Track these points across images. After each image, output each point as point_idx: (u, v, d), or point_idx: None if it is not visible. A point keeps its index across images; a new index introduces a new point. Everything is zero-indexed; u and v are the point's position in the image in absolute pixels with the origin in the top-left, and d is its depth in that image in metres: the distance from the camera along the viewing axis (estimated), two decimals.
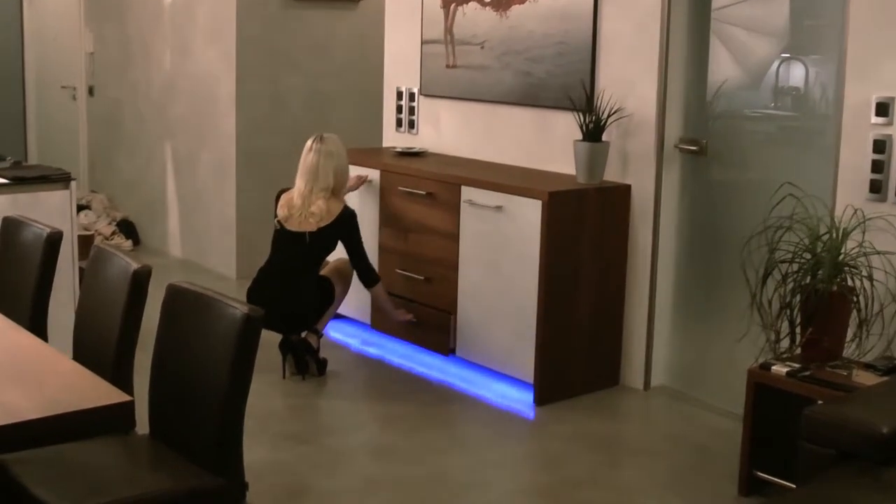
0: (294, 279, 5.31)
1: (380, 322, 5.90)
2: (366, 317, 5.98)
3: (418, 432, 4.79)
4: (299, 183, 5.33)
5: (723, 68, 5.03)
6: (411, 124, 6.41)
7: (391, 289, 5.78)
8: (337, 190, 5.33)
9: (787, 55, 4.77)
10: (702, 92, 5.11)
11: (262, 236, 7.44)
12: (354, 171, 5.84)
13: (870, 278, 3.98)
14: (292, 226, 5.30)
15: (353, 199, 5.86)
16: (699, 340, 5.24)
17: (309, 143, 5.36)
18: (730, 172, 5.05)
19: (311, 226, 5.25)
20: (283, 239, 5.33)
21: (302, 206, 5.28)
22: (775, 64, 4.80)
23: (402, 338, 5.80)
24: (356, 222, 5.34)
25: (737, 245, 4.45)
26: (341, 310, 5.96)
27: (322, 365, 5.45)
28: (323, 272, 5.44)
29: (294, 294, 5.29)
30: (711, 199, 5.12)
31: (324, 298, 5.38)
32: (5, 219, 4.12)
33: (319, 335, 5.47)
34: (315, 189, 5.28)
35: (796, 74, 4.76)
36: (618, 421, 4.99)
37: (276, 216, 5.38)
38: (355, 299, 5.87)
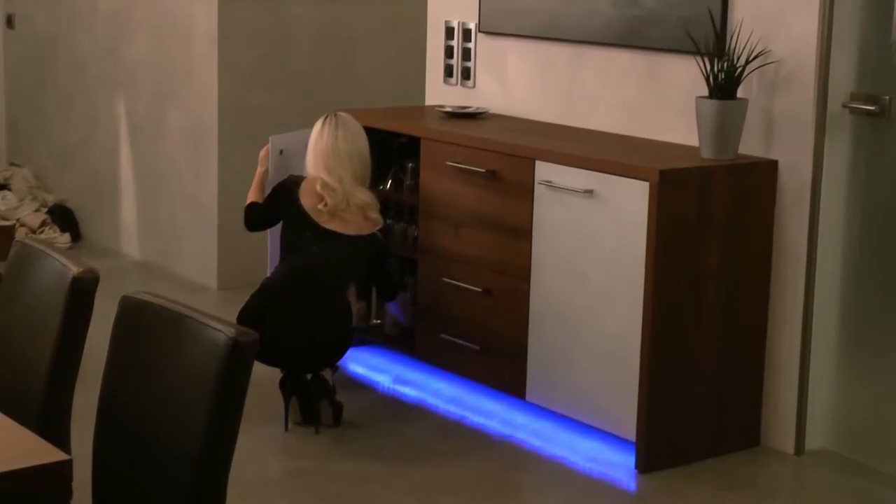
0: (329, 294, 5.43)
1: (428, 350, 5.91)
2: (404, 342, 6.00)
3: None
4: (318, 169, 5.50)
5: None
6: (466, 73, 6.43)
7: (435, 306, 5.80)
8: (365, 181, 5.59)
9: None
10: (885, 27, 5.08)
11: (254, 234, 7.48)
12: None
13: None
14: (332, 223, 5.43)
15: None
16: (876, 386, 5.21)
17: (319, 125, 5.54)
18: None
19: (374, 222, 5.50)
20: (316, 238, 5.43)
21: (342, 197, 5.44)
22: None
23: (455, 372, 5.83)
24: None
25: None
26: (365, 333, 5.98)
27: (339, 411, 5.47)
28: None
29: (326, 316, 5.40)
30: None
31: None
32: None
33: (335, 369, 5.49)
34: (345, 177, 5.48)
35: None
36: (758, 499, 4.97)
37: (296, 207, 5.47)
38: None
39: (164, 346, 2.97)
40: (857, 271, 5.24)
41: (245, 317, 5.35)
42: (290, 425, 5.43)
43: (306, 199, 5.46)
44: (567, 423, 5.42)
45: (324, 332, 5.38)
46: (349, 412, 5.56)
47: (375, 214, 5.52)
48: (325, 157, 5.48)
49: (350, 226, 5.44)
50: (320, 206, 5.42)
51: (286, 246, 5.51)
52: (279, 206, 5.54)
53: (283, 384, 5.42)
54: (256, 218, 5.68)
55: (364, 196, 5.48)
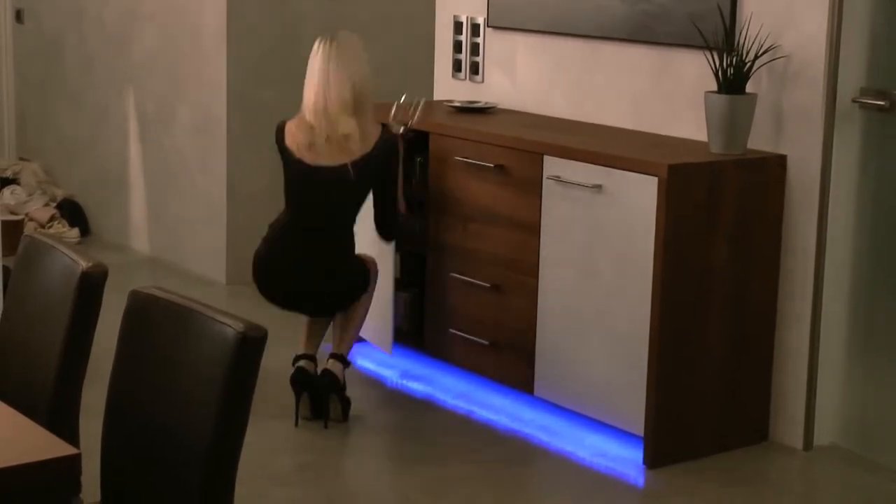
0: (335, 234, 5.44)
1: (437, 345, 5.92)
2: (413, 337, 6.00)
3: None
4: (307, 96, 5.42)
5: None
6: (475, 68, 6.43)
7: (444, 302, 5.81)
8: (359, 108, 5.40)
9: None
10: (895, 21, 5.07)
11: (263, 224, 7.49)
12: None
13: None
14: (319, 157, 5.39)
15: None
16: (885, 381, 5.21)
17: (315, 45, 5.49)
18: None
19: (350, 153, 5.36)
20: (308, 179, 5.42)
21: (326, 126, 5.36)
22: None
23: (463, 367, 5.84)
24: (399, 152, 5.53)
25: None
26: (374, 330, 5.97)
27: (347, 406, 5.49)
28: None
29: (335, 256, 5.43)
30: None
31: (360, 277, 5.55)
32: None
33: (346, 364, 5.51)
34: (330, 105, 5.37)
35: None
36: (766, 495, 4.97)
37: (283, 151, 5.48)
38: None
39: (172, 341, 2.99)
40: (867, 267, 5.24)
41: (254, 268, 5.52)
42: (299, 420, 5.44)
43: (290, 138, 5.44)
44: (575, 418, 5.42)
45: (330, 278, 5.42)
46: (357, 407, 5.57)
47: (358, 145, 5.36)
48: (313, 85, 5.41)
49: (336, 156, 5.37)
50: (302, 141, 5.40)
51: (285, 191, 5.53)
52: (281, 158, 5.54)
53: (295, 380, 5.42)
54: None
55: (347, 127, 5.34)
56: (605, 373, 5.21)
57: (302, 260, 5.40)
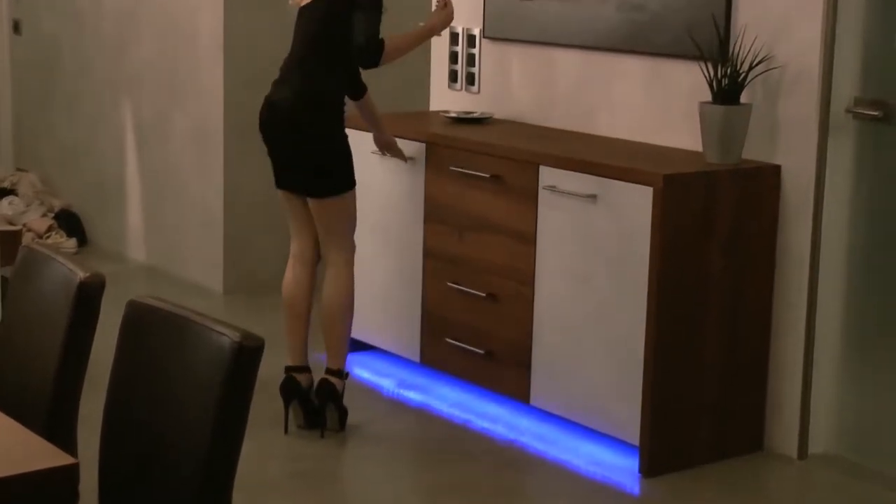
0: (319, 66, 5.42)
1: (433, 355, 5.92)
2: (411, 350, 6.02)
3: None
4: None
5: None
6: (470, 79, 6.43)
7: (440, 311, 5.81)
8: None
9: None
10: (889, 33, 5.08)
11: (259, 234, 7.50)
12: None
13: None
14: None
15: (383, 173, 5.85)
16: (879, 390, 5.21)
17: None
18: None
19: None
20: (297, 19, 5.51)
21: None
22: None
23: (459, 377, 5.84)
24: None
25: None
26: (369, 338, 5.96)
27: (344, 416, 5.49)
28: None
29: (315, 90, 5.41)
30: None
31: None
32: None
33: (344, 375, 5.50)
34: None
35: None
36: (762, 503, 4.97)
37: None
38: (395, 326, 5.86)
39: (170, 350, 2.98)
40: (861, 276, 5.24)
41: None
42: (292, 429, 5.42)
43: None
44: (571, 427, 5.42)
45: (314, 149, 5.40)
46: (354, 416, 5.56)
47: None
48: None
49: None
50: None
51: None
52: None
53: (284, 388, 5.42)
54: None
55: None
56: (601, 382, 5.21)
57: (289, 98, 5.41)
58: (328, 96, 5.40)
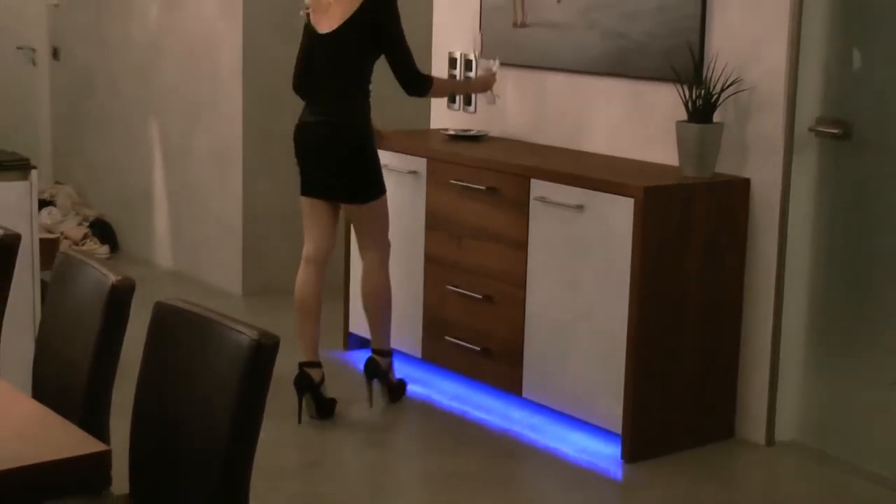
0: (345, 90, 5.45)
1: (433, 351, 5.91)
2: (413, 347, 6.00)
3: (472, 499, 4.78)
4: None
5: (878, 26, 4.98)
6: (468, 100, 6.41)
7: (440, 311, 5.80)
8: None
9: None
10: (848, 58, 5.08)
11: (275, 241, 7.50)
12: (393, 161, 5.87)
13: None
14: (317, 21, 5.43)
15: (389, 187, 5.86)
16: (841, 383, 5.20)
17: None
18: (884, 163, 5.01)
19: (333, 17, 5.37)
20: (316, 45, 5.47)
21: None
22: None
23: (457, 372, 5.83)
24: (393, 4, 5.40)
25: (892, 259, 4.41)
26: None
27: (394, 390, 5.64)
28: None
29: (345, 108, 5.43)
30: (859, 199, 5.09)
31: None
32: None
33: (387, 355, 5.60)
34: None
35: None
36: (732, 487, 4.98)
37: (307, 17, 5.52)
38: (398, 325, 5.86)
39: (193, 348, 2.98)
40: (823, 279, 5.23)
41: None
42: (305, 419, 5.41)
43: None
44: (560, 417, 5.41)
45: (345, 168, 5.40)
46: (361, 408, 5.56)
47: (345, 5, 5.36)
48: None
49: (330, 21, 5.41)
50: (311, 11, 5.46)
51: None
52: (303, 34, 5.58)
53: (297, 382, 5.41)
54: (295, 66, 5.64)
55: None
56: (587, 376, 5.20)
57: (327, 122, 5.41)
58: (360, 118, 5.43)
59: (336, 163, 5.39)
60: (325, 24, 5.39)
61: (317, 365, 5.46)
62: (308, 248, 5.55)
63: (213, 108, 7.64)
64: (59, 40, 9.17)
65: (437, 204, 5.82)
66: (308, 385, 5.42)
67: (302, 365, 5.44)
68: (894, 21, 4.94)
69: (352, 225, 5.60)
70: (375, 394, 5.61)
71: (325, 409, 5.44)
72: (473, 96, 6.31)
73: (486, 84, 5.82)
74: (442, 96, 5.74)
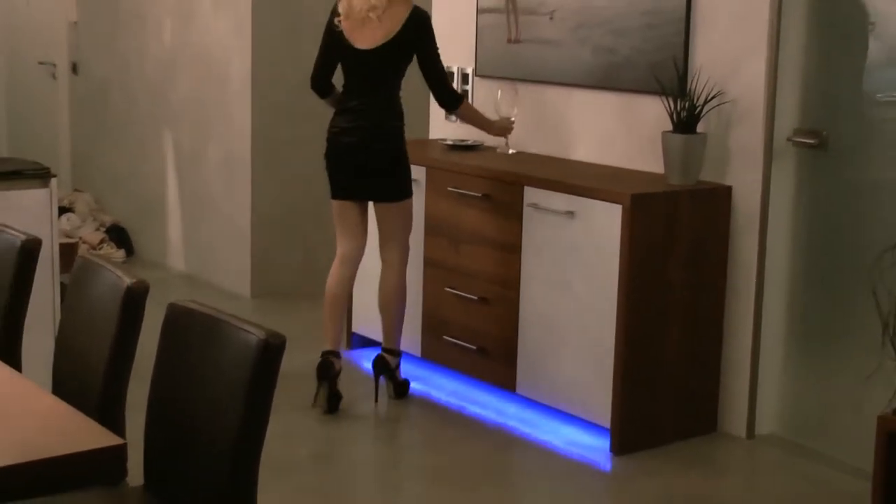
0: (379, 97, 5.46)
1: (432, 350, 5.91)
2: (413, 346, 6.00)
3: (470, 489, 4.79)
4: None
5: (850, 42, 4.99)
6: None
7: (438, 312, 5.80)
8: None
9: None
10: (824, 71, 5.08)
11: (282, 250, 7.50)
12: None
13: None
14: (354, 35, 5.40)
15: None
16: (817, 379, 5.20)
17: None
18: (857, 171, 5.01)
19: (379, 34, 5.35)
20: (352, 57, 5.45)
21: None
22: None
23: (455, 369, 5.82)
24: (431, 26, 5.44)
25: (865, 261, 4.41)
26: (378, 336, 5.95)
27: (399, 386, 5.64)
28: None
29: (382, 113, 5.45)
30: (834, 204, 5.09)
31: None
32: None
33: (396, 354, 5.62)
34: None
35: None
36: (715, 477, 4.97)
37: (331, 26, 5.50)
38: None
39: (204, 347, 2.99)
40: (801, 281, 5.24)
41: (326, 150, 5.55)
42: (312, 413, 5.41)
43: (340, 5, 5.46)
44: (551, 412, 5.41)
45: (377, 171, 5.44)
46: (364, 403, 5.56)
47: (385, 24, 5.35)
48: None
49: (368, 39, 5.39)
50: (342, 19, 5.43)
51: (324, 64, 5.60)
52: (326, 38, 5.56)
53: (321, 368, 5.43)
54: (315, 66, 5.62)
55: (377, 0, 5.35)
56: (577, 373, 5.20)
57: (366, 131, 5.43)
58: (398, 123, 5.48)
59: (375, 165, 5.42)
60: (364, 40, 5.38)
61: (339, 356, 5.48)
62: (343, 248, 5.58)
63: (223, 119, 7.64)
64: (78, 56, 9.17)
65: (436, 210, 5.82)
66: (329, 372, 5.42)
67: (326, 353, 5.46)
68: (865, 38, 4.96)
69: (378, 226, 5.59)
70: (381, 390, 5.61)
71: (334, 401, 5.43)
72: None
73: (502, 130, 5.80)
74: (465, 120, 5.72)
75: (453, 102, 5.59)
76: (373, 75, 5.41)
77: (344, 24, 5.41)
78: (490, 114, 5.85)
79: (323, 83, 5.58)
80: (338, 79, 5.58)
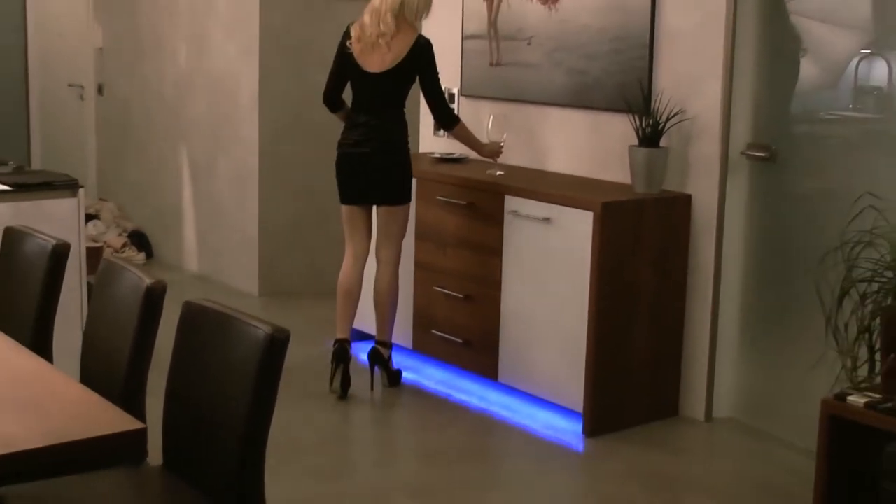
0: (385, 113, 5.44)
1: (422, 343, 5.91)
2: (405, 339, 5.99)
3: (457, 467, 4.79)
4: (372, 2, 5.41)
5: (797, 66, 5.00)
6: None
7: (427, 309, 5.80)
8: (409, 16, 5.37)
9: (869, 51, 4.74)
10: (773, 92, 5.10)
11: (287, 253, 7.49)
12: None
13: None
14: (364, 58, 5.38)
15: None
16: (768, 367, 5.21)
17: None
18: (803, 181, 5.02)
19: (387, 59, 5.34)
20: (361, 79, 5.43)
21: (373, 23, 5.35)
22: (855, 61, 4.77)
23: (442, 360, 5.82)
24: (433, 53, 5.42)
25: (811, 262, 4.42)
26: (372, 330, 5.95)
27: (393, 375, 5.63)
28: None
29: (387, 130, 5.43)
30: (782, 212, 5.10)
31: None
32: (7, 229, 4.15)
33: (388, 346, 5.61)
34: (384, 6, 5.34)
35: (879, 72, 4.73)
36: (677, 456, 4.97)
37: (343, 48, 5.48)
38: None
39: (216, 340, 2.99)
40: (753, 280, 5.25)
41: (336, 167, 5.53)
42: (315, 402, 5.39)
43: (353, 30, 5.45)
44: (530, 398, 5.42)
45: (385, 179, 5.44)
46: (362, 391, 5.56)
47: (392, 50, 5.34)
48: None
49: (377, 63, 5.38)
50: (354, 42, 5.42)
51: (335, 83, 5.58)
52: (338, 59, 5.54)
53: (337, 353, 5.44)
54: (328, 83, 5.60)
55: (386, 27, 5.32)
56: (553, 364, 5.21)
57: (364, 140, 5.42)
58: (403, 136, 5.46)
59: (384, 173, 5.43)
60: (373, 64, 5.38)
61: (350, 343, 5.51)
62: (352, 247, 5.59)
63: (233, 135, 7.63)
64: (104, 78, 9.16)
65: (425, 217, 5.82)
66: (345, 357, 5.43)
67: (339, 341, 5.47)
68: (810, 64, 4.97)
69: (378, 227, 5.59)
70: (376, 379, 5.61)
71: (346, 384, 5.46)
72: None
73: (493, 152, 5.74)
74: (460, 139, 5.69)
75: (451, 122, 5.59)
76: (381, 95, 5.41)
77: (355, 47, 5.40)
78: (478, 133, 5.84)
79: (335, 99, 5.58)
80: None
